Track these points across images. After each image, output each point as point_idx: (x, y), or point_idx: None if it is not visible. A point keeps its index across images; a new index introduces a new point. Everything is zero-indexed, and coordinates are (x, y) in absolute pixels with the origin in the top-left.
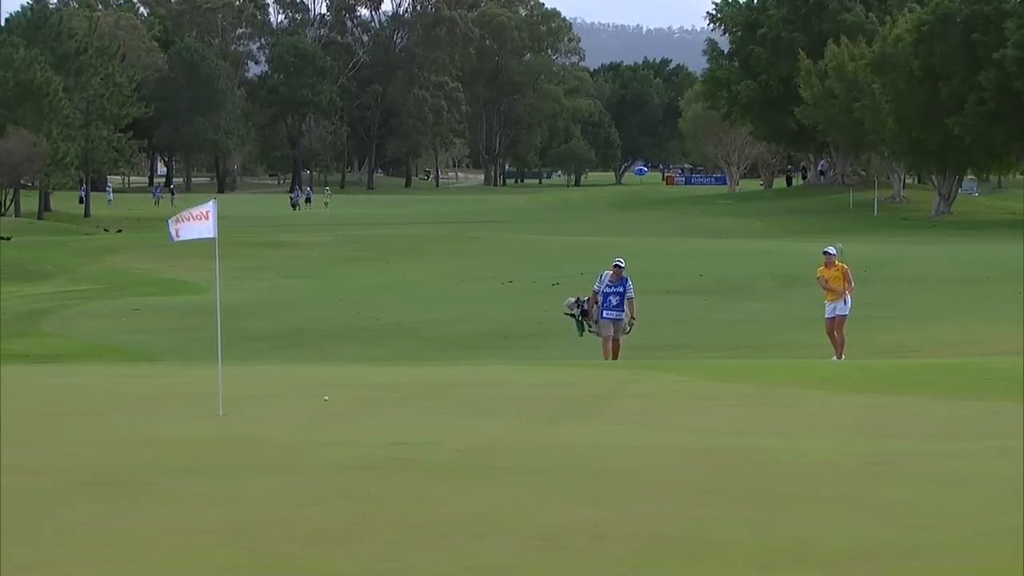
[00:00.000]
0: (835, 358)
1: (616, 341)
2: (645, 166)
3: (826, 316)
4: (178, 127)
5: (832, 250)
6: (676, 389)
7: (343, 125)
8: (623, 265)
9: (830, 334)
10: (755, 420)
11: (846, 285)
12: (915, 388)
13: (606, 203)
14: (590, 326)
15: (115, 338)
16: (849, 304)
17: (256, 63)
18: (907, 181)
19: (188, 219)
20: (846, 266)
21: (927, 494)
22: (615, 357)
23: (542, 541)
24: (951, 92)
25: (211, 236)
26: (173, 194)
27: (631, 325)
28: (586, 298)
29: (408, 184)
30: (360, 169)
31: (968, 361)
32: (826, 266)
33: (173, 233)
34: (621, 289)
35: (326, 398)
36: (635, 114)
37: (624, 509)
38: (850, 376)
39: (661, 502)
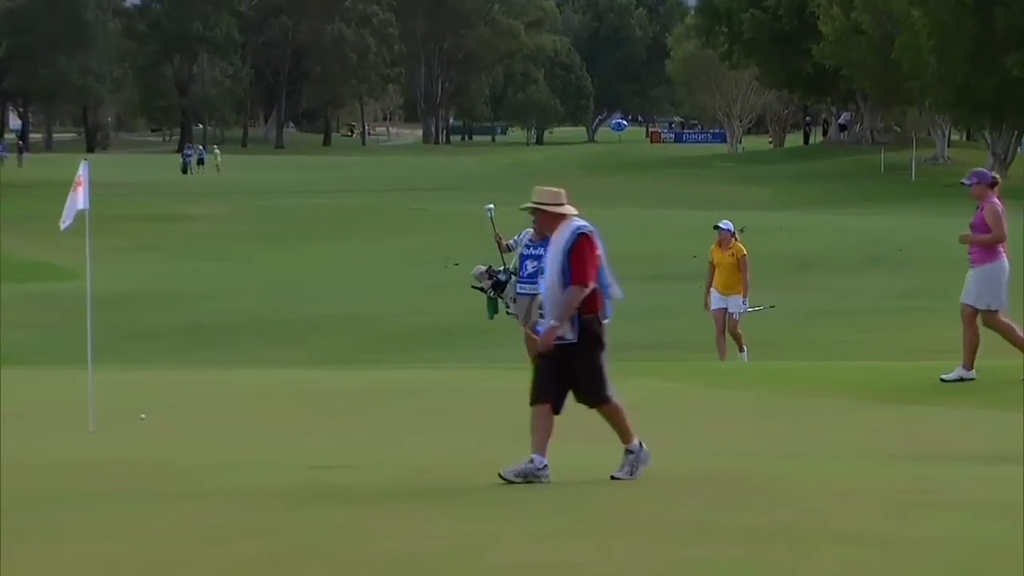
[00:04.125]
0: (742, 356)
1: None
2: (624, 120)
3: (712, 307)
4: (36, 69)
5: (727, 225)
6: (664, 399)
7: (245, 67)
8: None
9: (720, 334)
10: (761, 438)
11: (740, 280)
12: (956, 397)
13: (576, 166)
14: (508, 305)
15: None
16: (745, 305)
17: None
18: (953, 138)
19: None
20: (744, 250)
21: (968, 527)
22: None
23: None
24: (1009, 23)
25: (83, 208)
26: (21, 153)
27: None
28: (501, 268)
29: (327, 142)
30: (267, 123)
31: (1020, 363)
32: (718, 246)
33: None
34: (542, 252)
35: (142, 416)
36: (612, 54)
37: (603, 547)
38: (878, 383)
39: (648, 538)
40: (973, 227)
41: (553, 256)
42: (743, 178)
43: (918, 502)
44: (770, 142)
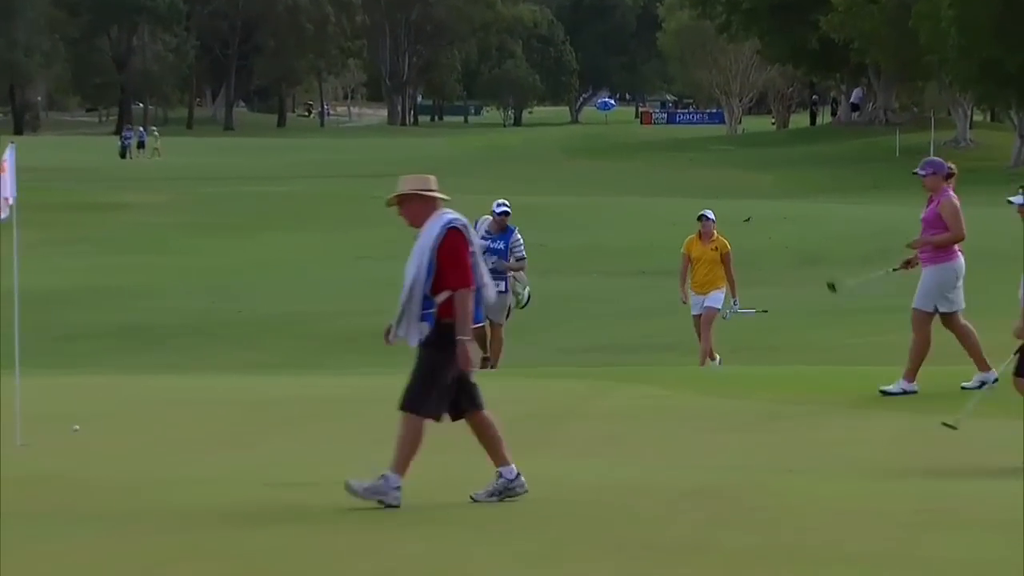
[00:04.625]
0: (711, 362)
1: (495, 331)
2: (611, 98)
3: (692, 312)
4: None
5: (710, 214)
6: (655, 407)
7: (190, 40)
8: (509, 210)
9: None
10: (761, 450)
11: (723, 276)
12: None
13: (557, 149)
14: None
15: None
16: (735, 305)
17: None
18: (975, 119)
19: None
20: (728, 245)
21: (992, 549)
22: (494, 359)
23: None
24: None
25: (6, 196)
26: None
27: (526, 298)
28: None
29: (282, 123)
30: (215, 102)
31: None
32: (698, 238)
33: None
34: (503, 245)
35: (75, 427)
36: (597, 25)
37: (589, 569)
38: None
39: (637, 561)
40: (924, 222)
41: (420, 253)
42: (743, 163)
43: (934, 522)
44: (773, 123)
